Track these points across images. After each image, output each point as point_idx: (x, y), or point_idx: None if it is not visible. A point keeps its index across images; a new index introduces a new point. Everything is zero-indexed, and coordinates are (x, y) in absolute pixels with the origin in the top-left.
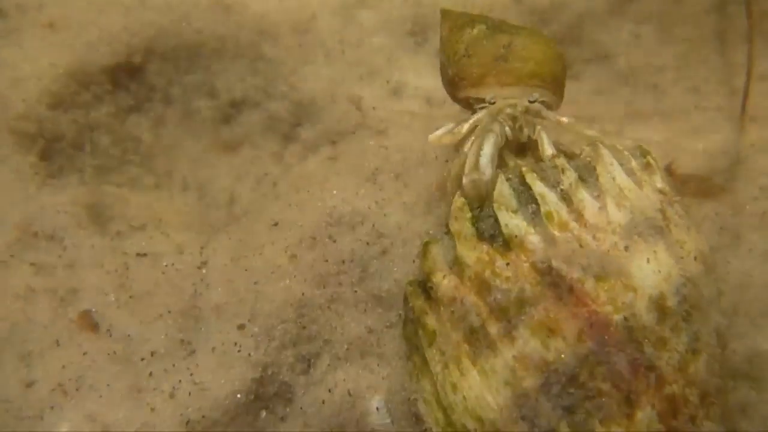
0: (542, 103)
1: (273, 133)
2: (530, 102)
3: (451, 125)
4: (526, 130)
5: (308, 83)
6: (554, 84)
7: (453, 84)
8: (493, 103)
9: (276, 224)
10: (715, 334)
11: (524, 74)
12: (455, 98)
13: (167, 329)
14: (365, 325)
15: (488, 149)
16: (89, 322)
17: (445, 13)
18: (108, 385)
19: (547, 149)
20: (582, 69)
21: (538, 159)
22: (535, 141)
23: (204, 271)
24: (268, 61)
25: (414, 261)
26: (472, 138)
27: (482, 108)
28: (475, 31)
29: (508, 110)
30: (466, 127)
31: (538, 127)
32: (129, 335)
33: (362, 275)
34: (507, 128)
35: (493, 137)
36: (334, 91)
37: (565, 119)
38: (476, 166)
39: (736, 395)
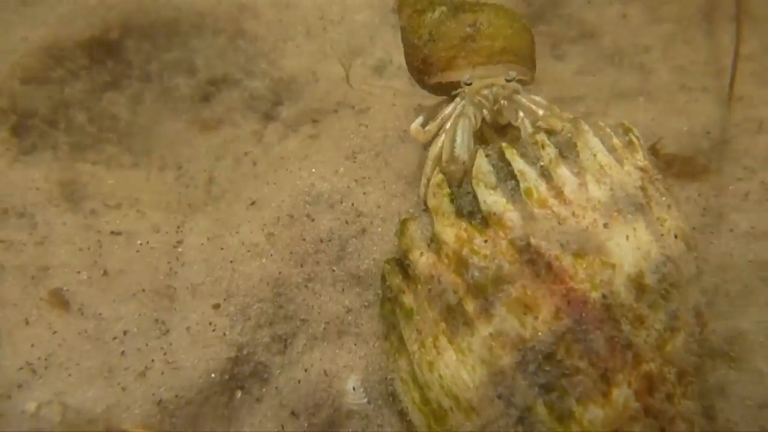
0: (520, 81)
1: (253, 112)
2: (507, 81)
3: (423, 116)
4: (505, 113)
5: (289, 60)
6: (526, 59)
7: (421, 71)
8: (470, 84)
9: (253, 203)
10: (695, 313)
11: (495, 51)
12: (425, 85)
13: (141, 308)
14: (343, 305)
15: (461, 137)
16: (60, 300)
17: (403, 1)
18: (78, 364)
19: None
20: (568, 48)
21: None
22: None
23: (180, 250)
24: (248, 38)
25: (393, 240)
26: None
27: (458, 94)
28: (437, 13)
29: (485, 91)
30: (445, 117)
31: (521, 114)
32: (101, 314)
33: (340, 254)
34: (485, 111)
35: (467, 122)
36: (315, 69)
37: (540, 99)
38: (451, 156)
39: (716, 375)
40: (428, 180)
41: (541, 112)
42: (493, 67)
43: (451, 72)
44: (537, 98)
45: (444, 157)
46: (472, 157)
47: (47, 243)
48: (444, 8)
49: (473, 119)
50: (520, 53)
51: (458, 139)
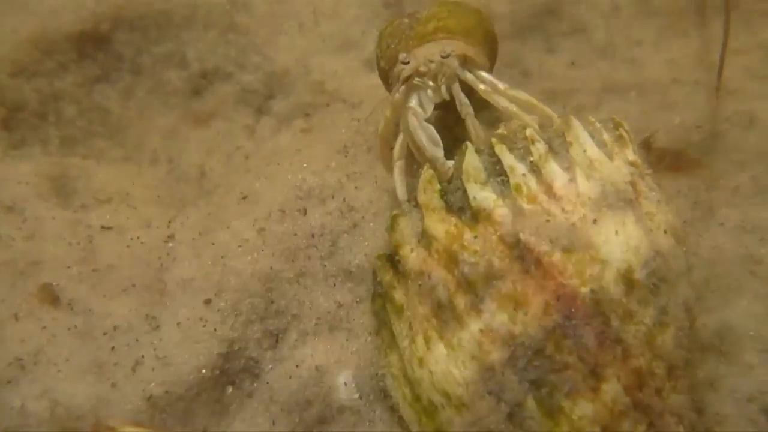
0: (465, 59)
1: (245, 106)
2: (443, 57)
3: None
4: (451, 88)
5: (281, 54)
6: (467, 37)
7: (383, 77)
8: (407, 63)
9: (245, 198)
10: (684, 308)
11: (428, 32)
12: (390, 90)
13: (131, 303)
14: (334, 300)
15: (420, 138)
16: (50, 296)
17: (380, 33)
18: (67, 360)
19: (473, 132)
20: (559, 42)
21: (510, 130)
22: (510, 112)
23: (171, 245)
24: (240, 31)
25: (385, 235)
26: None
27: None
28: (394, 23)
29: (422, 68)
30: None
31: (467, 110)
32: (91, 309)
33: (332, 249)
34: (430, 92)
35: (414, 119)
36: (307, 63)
37: (490, 78)
38: (428, 160)
39: (705, 369)
40: (400, 182)
41: (482, 87)
42: (425, 46)
43: (395, 67)
44: (487, 76)
45: (423, 161)
46: (462, 152)
47: (37, 238)
48: (406, 20)
49: (419, 108)
50: (457, 30)
51: (421, 144)
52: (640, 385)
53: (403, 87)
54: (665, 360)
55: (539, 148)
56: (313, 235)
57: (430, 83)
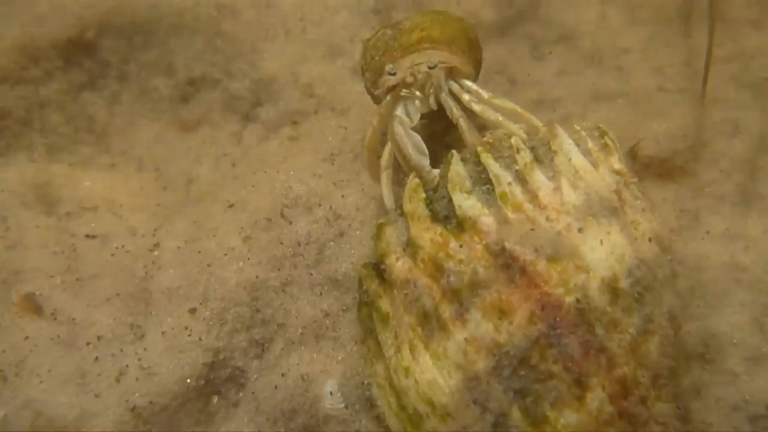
0: (450, 69)
1: (232, 113)
2: (430, 68)
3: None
4: (438, 97)
5: (269, 61)
6: (451, 46)
7: (369, 91)
8: (393, 74)
9: (231, 206)
10: (669, 316)
11: (412, 43)
12: (376, 100)
13: (115, 312)
14: (321, 309)
15: (405, 146)
16: (32, 305)
17: (364, 44)
18: (49, 370)
19: (467, 136)
20: (547, 50)
21: (496, 138)
22: (495, 121)
23: (156, 253)
24: (227, 38)
25: (372, 243)
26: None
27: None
28: (378, 34)
29: (409, 79)
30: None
31: (458, 113)
32: (74, 319)
33: (318, 257)
34: (417, 102)
35: (400, 128)
36: (295, 70)
37: (475, 87)
38: (414, 168)
39: (690, 377)
40: (388, 191)
41: (466, 97)
42: (410, 56)
43: (380, 78)
44: (472, 85)
45: (408, 171)
46: (448, 161)
47: (20, 247)
48: (389, 31)
49: (406, 117)
50: (441, 40)
51: (407, 152)
52: (625, 393)
53: (389, 97)
54: (650, 369)
55: (524, 156)
56: (299, 243)
57: (417, 93)
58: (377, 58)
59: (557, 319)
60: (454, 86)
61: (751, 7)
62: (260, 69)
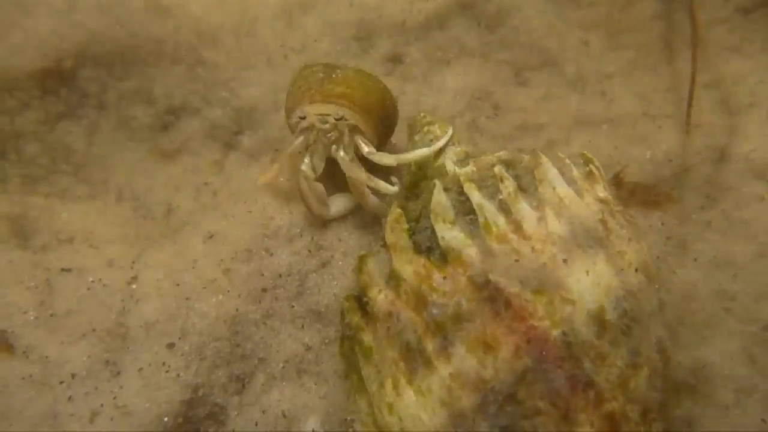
0: (353, 128)
1: (213, 141)
2: (336, 120)
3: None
4: (335, 147)
5: (250, 89)
6: (365, 111)
7: (286, 115)
8: (304, 117)
9: (211, 237)
10: (657, 348)
11: (333, 94)
12: (290, 127)
13: (91, 349)
14: (302, 342)
15: (309, 200)
16: (3, 343)
17: (298, 71)
18: (20, 412)
19: (352, 171)
20: (530, 76)
21: (479, 167)
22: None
23: (134, 286)
24: (207, 66)
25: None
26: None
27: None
28: (313, 69)
29: (317, 124)
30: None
31: (339, 152)
32: (47, 356)
33: (300, 289)
34: (321, 145)
35: (305, 183)
36: (276, 98)
37: (369, 149)
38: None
39: (681, 409)
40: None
41: (366, 149)
42: (325, 105)
43: (296, 109)
44: (369, 147)
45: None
46: (430, 190)
47: None
48: (321, 67)
49: (310, 171)
50: (358, 103)
51: (311, 206)
52: (614, 429)
53: (299, 139)
54: (639, 403)
55: (508, 186)
56: (280, 275)
57: (323, 140)
58: (302, 90)
59: (543, 353)
60: (355, 139)
61: (732, 33)
62: (241, 97)
